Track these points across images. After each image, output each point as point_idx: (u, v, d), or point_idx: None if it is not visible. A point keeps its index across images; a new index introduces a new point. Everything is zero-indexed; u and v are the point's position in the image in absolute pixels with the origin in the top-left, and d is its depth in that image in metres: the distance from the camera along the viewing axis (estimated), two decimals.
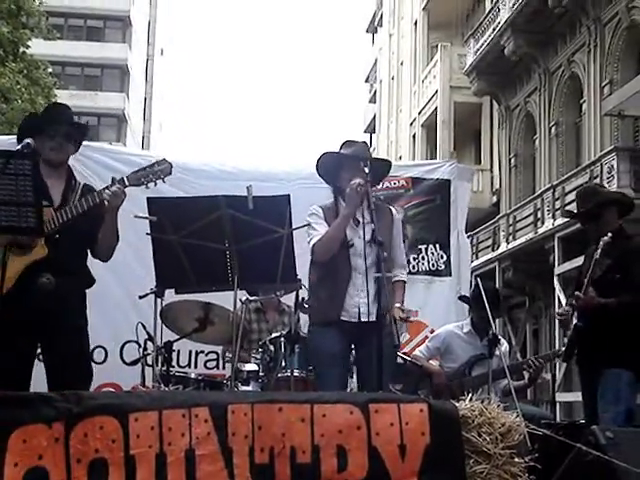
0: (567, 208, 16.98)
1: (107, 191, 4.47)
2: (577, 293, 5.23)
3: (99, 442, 3.10)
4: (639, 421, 5.22)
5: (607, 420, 4.86)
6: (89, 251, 4.74)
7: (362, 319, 4.81)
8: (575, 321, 5.22)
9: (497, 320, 6.43)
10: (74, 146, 4.83)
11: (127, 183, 4.54)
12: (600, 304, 5.08)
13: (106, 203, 4.48)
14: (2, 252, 4.11)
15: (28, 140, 4.23)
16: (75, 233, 4.47)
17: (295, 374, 5.27)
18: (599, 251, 5.09)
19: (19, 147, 4.20)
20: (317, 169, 5.15)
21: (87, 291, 4.77)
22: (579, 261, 5.29)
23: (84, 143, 7.07)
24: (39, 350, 4.60)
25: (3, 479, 3.03)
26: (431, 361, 6.66)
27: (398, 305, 4.92)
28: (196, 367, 6.96)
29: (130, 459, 3.09)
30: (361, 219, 4.92)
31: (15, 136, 4.87)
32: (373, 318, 4.78)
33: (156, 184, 4.62)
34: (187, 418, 3.16)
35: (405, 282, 5.18)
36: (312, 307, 5.13)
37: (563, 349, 5.47)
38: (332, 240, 4.87)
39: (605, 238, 5.09)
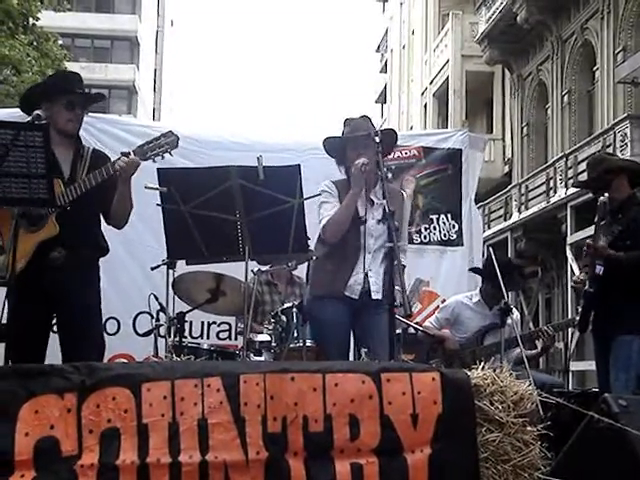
0: (579, 178, 16.93)
1: (120, 162, 4.44)
2: (588, 241, 5.22)
3: (111, 412, 3.12)
4: None
5: (618, 387, 4.87)
6: (103, 218, 4.72)
7: (363, 296, 4.86)
8: (586, 287, 5.22)
9: (511, 291, 6.41)
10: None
11: (134, 156, 4.51)
12: (610, 256, 5.07)
13: (118, 174, 4.46)
14: (13, 225, 4.11)
15: (38, 111, 4.22)
16: (86, 204, 4.44)
17: (307, 344, 5.28)
18: (599, 213, 5.12)
19: (29, 119, 4.19)
20: (327, 153, 5.16)
21: (100, 263, 4.78)
22: (592, 230, 5.28)
23: (96, 115, 7.11)
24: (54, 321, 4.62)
25: (14, 449, 3.05)
26: (443, 330, 6.67)
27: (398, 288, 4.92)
28: (208, 338, 6.97)
29: (143, 428, 3.10)
30: (375, 199, 4.94)
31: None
32: (376, 296, 4.81)
33: (163, 157, 4.59)
34: (199, 388, 3.17)
35: (404, 267, 5.12)
36: (316, 279, 5.15)
37: (578, 318, 5.46)
38: (341, 222, 4.90)
39: (602, 198, 5.10)
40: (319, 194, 5.01)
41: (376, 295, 4.87)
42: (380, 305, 4.76)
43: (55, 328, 4.67)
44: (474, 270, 6.97)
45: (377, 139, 4.77)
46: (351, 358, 5.17)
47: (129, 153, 4.49)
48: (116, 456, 3.07)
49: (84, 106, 4.68)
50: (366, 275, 4.88)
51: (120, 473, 3.06)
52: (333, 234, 4.94)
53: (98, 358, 4.54)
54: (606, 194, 5.14)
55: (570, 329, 8.35)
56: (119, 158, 4.49)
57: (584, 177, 5.99)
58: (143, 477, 3.06)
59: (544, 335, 6.34)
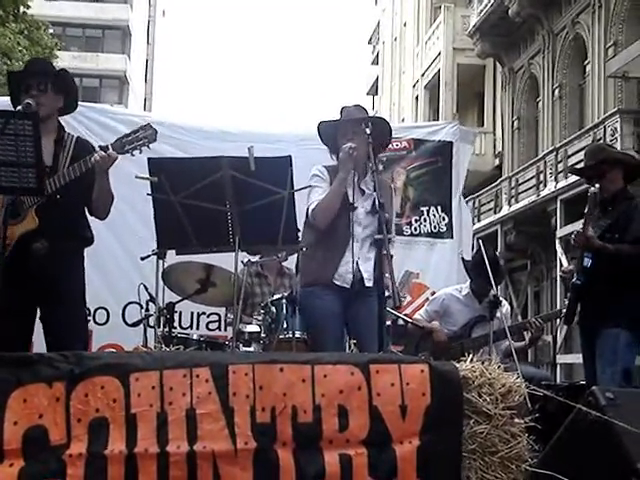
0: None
1: (95, 156, 4.40)
2: (576, 230, 5.23)
3: (100, 402, 3.11)
4: (638, 381, 5.24)
5: (604, 381, 4.88)
6: (86, 209, 4.70)
7: (355, 285, 4.86)
8: (574, 280, 5.23)
9: (497, 287, 6.43)
10: (58, 98, 4.64)
11: (112, 151, 4.47)
12: (599, 246, 5.09)
13: (95, 168, 4.43)
14: (2, 213, 4.09)
15: (29, 100, 4.20)
16: (68, 195, 4.41)
17: (297, 335, 5.28)
18: (590, 204, 5.12)
19: (19, 107, 4.17)
20: (321, 140, 5.17)
21: (89, 253, 4.76)
22: (581, 224, 5.29)
23: (86, 104, 7.08)
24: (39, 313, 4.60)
25: (3, 437, 3.05)
26: (433, 322, 6.68)
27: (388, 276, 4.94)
28: (198, 328, 6.97)
29: (131, 418, 3.10)
30: (365, 189, 4.95)
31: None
32: (367, 284, 4.83)
33: (141, 151, 4.57)
34: (188, 378, 3.17)
35: (392, 256, 5.16)
36: (305, 268, 5.15)
37: (565, 310, 5.47)
38: (329, 207, 4.89)
39: (592, 189, 5.11)
40: (310, 186, 5.01)
41: (368, 282, 4.87)
42: (371, 293, 4.77)
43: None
44: (463, 261, 6.98)
45: (367, 130, 4.78)
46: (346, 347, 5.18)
47: (107, 147, 4.47)
48: (104, 446, 3.07)
49: (44, 86, 4.53)
50: (357, 263, 4.89)
51: (108, 463, 3.05)
52: (322, 218, 4.93)
53: (83, 346, 4.53)
54: (597, 185, 5.14)
55: (558, 322, 8.38)
56: (94, 152, 4.46)
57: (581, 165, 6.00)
58: (131, 467, 3.06)
59: (532, 327, 6.37)
